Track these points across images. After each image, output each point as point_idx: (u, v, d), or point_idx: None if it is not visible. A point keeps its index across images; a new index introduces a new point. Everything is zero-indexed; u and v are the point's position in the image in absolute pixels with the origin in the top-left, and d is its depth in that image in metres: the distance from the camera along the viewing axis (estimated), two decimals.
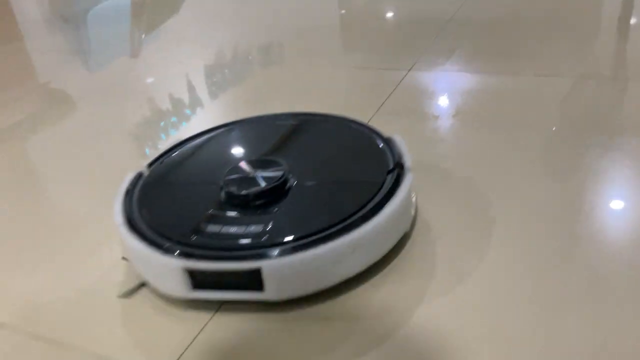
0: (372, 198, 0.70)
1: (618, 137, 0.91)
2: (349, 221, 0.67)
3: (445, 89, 1.15)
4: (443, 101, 1.11)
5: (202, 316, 0.68)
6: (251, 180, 0.74)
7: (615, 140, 0.90)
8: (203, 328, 0.66)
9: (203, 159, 0.85)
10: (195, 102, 1.23)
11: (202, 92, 1.28)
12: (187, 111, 1.19)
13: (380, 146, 0.81)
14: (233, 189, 0.73)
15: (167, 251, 0.66)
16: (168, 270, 0.66)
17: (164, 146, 0.90)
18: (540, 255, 0.70)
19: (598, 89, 1.06)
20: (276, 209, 0.71)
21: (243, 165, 0.77)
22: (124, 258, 0.76)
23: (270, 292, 0.65)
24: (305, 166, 0.78)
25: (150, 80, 1.38)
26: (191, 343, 0.64)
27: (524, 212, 0.77)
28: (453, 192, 0.83)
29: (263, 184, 0.73)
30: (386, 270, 0.70)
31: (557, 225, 0.74)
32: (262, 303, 0.67)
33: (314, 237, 0.65)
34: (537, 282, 0.66)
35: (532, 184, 0.83)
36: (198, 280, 0.66)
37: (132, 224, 0.72)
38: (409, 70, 1.24)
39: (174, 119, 1.16)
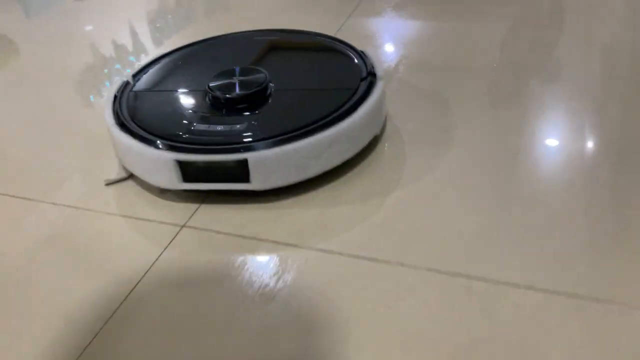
0: (347, 101, 0.77)
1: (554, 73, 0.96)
2: (326, 120, 0.74)
3: (390, 32, 1.17)
4: (389, 47, 1.12)
5: (190, 206, 0.74)
6: (234, 85, 0.79)
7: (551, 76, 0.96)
8: (192, 215, 0.72)
9: (185, 69, 0.90)
10: (139, 49, 1.22)
11: (146, 38, 1.26)
12: (131, 58, 1.18)
13: (354, 58, 0.87)
14: (218, 93, 0.78)
15: (160, 146, 0.72)
16: (161, 163, 0.72)
17: (144, 60, 0.93)
18: (486, 160, 0.78)
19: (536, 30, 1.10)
20: (258, 110, 0.77)
21: (226, 72, 0.82)
22: (107, 183, 0.80)
23: (255, 183, 0.72)
24: (285, 75, 0.83)
25: (93, 25, 1.35)
26: (181, 229, 0.71)
27: (477, 123, 0.85)
28: (419, 103, 0.91)
29: (246, 88, 0.78)
30: (361, 167, 0.78)
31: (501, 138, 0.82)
32: (246, 193, 0.73)
33: (295, 133, 0.72)
34: (484, 180, 0.74)
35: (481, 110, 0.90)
36: (188, 172, 0.72)
37: (123, 126, 0.77)
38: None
39: (117, 65, 1.15)
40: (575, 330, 0.54)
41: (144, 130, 0.76)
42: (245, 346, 0.56)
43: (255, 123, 0.75)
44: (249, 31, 0.99)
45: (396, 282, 0.61)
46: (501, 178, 0.74)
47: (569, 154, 0.77)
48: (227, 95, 0.78)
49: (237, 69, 0.83)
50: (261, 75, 0.80)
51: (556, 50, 1.00)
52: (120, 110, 0.80)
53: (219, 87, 0.79)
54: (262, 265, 0.65)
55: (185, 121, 0.77)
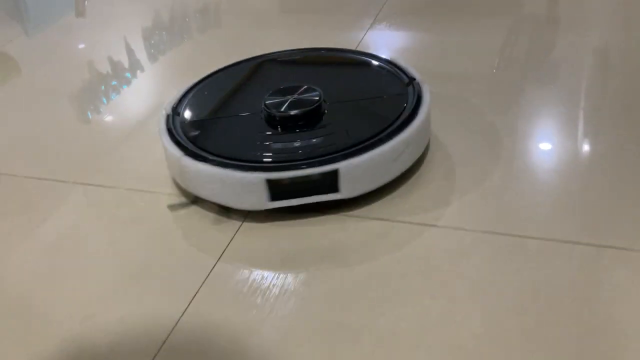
0: (406, 105, 0.81)
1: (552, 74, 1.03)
2: (395, 125, 0.77)
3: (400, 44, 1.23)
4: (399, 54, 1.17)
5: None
6: (292, 103, 0.81)
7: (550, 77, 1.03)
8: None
9: (223, 94, 0.90)
10: (135, 65, 1.23)
11: (141, 55, 1.28)
12: (127, 74, 1.19)
13: (387, 67, 0.91)
14: (278, 111, 0.80)
15: (248, 169, 0.72)
16: (250, 185, 0.72)
17: (176, 91, 0.92)
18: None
19: (534, 32, 1.18)
20: (325, 124, 0.79)
21: (277, 92, 0.83)
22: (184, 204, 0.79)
23: (345, 191, 0.74)
24: (332, 89, 0.85)
25: (90, 42, 1.37)
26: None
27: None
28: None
29: (305, 105, 0.80)
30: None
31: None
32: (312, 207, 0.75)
33: (373, 140, 0.75)
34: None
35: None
36: (275, 190, 0.73)
37: (196, 155, 0.76)
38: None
39: (114, 82, 1.17)
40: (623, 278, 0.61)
41: (220, 156, 0.75)
42: None
43: (328, 135, 0.77)
44: (268, 54, 1.01)
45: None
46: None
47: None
48: (292, 113, 0.79)
49: (287, 87, 0.84)
50: (315, 92, 0.82)
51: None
52: (181, 140, 0.79)
53: (281, 106, 0.80)
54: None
55: (258, 142, 0.77)
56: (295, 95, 0.82)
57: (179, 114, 0.85)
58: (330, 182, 0.73)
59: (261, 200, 0.74)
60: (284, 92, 0.83)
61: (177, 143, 0.79)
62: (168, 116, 0.85)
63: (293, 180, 0.72)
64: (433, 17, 1.28)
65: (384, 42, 1.22)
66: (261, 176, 0.72)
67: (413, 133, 0.76)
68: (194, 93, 0.91)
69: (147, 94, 1.16)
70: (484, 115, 0.93)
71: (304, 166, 0.72)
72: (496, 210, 0.74)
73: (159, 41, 1.34)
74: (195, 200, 0.80)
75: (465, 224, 0.72)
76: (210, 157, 0.75)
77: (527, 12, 1.26)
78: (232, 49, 1.27)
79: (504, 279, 0.64)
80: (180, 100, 0.89)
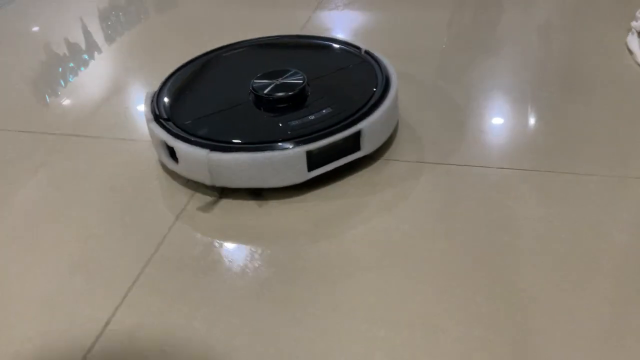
0: (376, 69, 0.92)
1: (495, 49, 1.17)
2: (382, 84, 0.88)
3: (351, 25, 1.32)
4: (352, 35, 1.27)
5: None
6: (282, 85, 0.87)
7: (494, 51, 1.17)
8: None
9: (206, 87, 0.93)
10: (92, 47, 1.23)
11: (98, 36, 1.28)
12: (85, 56, 1.19)
13: (338, 45, 1.01)
14: (281, 92, 0.86)
15: (290, 146, 0.77)
16: (293, 160, 0.77)
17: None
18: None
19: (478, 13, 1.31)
20: (321, 97, 0.87)
21: (265, 76, 0.89)
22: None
23: (365, 149, 0.83)
24: (308, 69, 0.91)
25: (45, 24, 1.36)
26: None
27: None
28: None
29: (293, 86, 0.87)
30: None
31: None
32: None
33: (371, 104, 0.85)
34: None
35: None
36: (312, 160, 0.79)
37: (220, 149, 0.78)
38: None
39: (71, 64, 1.17)
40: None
41: (247, 143, 0.79)
42: None
43: (334, 105, 0.85)
44: (238, 42, 1.04)
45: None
46: None
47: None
48: (290, 93, 0.86)
49: (271, 72, 0.90)
50: (297, 73, 0.89)
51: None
52: (196, 139, 0.80)
53: (280, 88, 0.87)
54: None
55: (272, 123, 0.83)
56: (284, 79, 0.88)
57: (169, 119, 0.85)
58: (353, 143, 0.82)
59: (302, 173, 0.79)
60: (271, 76, 0.89)
61: (194, 143, 0.80)
62: (160, 122, 0.84)
63: (327, 147, 0.79)
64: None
65: (331, 23, 1.30)
66: (302, 149, 0.77)
67: (396, 85, 0.88)
68: (175, 91, 0.92)
69: (105, 76, 1.16)
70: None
71: (335, 132, 0.79)
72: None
73: (116, 22, 1.34)
74: (222, 193, 0.82)
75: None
76: (238, 146, 0.78)
77: None
78: (189, 29, 1.29)
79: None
80: (166, 106, 0.88)
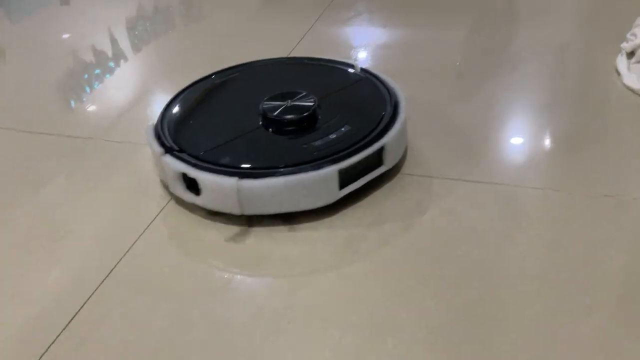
0: (378, 84, 0.93)
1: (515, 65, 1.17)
2: (390, 99, 0.89)
3: (352, 39, 1.32)
4: (352, 49, 1.27)
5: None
6: (293, 108, 0.86)
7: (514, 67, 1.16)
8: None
9: (214, 115, 0.90)
10: (119, 55, 1.27)
11: (125, 44, 1.32)
12: (111, 64, 1.23)
13: (332, 65, 1.01)
14: (294, 114, 0.85)
15: (323, 166, 0.76)
16: (325, 181, 0.76)
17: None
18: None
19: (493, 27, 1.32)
20: (336, 116, 0.86)
21: (274, 98, 0.88)
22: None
23: (387, 164, 0.83)
24: (312, 90, 0.90)
25: (74, 31, 1.41)
26: None
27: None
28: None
29: (309, 106, 0.86)
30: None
31: None
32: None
33: (387, 119, 0.85)
34: None
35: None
36: (343, 179, 0.78)
37: (249, 175, 0.76)
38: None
39: (97, 70, 1.21)
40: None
41: (273, 167, 0.77)
42: None
43: (349, 124, 0.84)
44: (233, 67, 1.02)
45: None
46: None
47: None
48: (305, 114, 0.85)
49: (281, 94, 0.89)
50: (307, 95, 0.88)
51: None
52: (221, 165, 0.78)
53: (290, 110, 0.86)
54: None
55: (293, 144, 0.82)
56: (294, 101, 0.87)
57: (182, 151, 0.82)
58: (377, 158, 0.82)
59: (334, 192, 0.78)
60: (279, 98, 0.88)
61: (219, 172, 0.77)
62: (175, 154, 0.81)
63: (355, 164, 0.79)
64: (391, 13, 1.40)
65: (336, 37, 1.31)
66: (334, 168, 0.76)
67: (404, 99, 0.89)
68: (180, 120, 0.89)
69: (130, 84, 1.19)
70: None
71: (362, 149, 0.79)
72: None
73: (143, 31, 1.37)
74: (250, 221, 0.79)
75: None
76: (267, 171, 0.76)
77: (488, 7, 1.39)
78: (214, 41, 1.32)
79: None
80: (175, 136, 0.85)
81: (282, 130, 0.85)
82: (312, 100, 0.87)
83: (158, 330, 0.66)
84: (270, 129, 0.85)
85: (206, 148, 0.82)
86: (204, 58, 1.26)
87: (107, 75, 1.20)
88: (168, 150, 0.82)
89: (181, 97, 0.94)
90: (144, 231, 0.79)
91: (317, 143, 0.81)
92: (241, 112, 0.89)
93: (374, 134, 0.82)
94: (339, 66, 1.00)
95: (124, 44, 1.34)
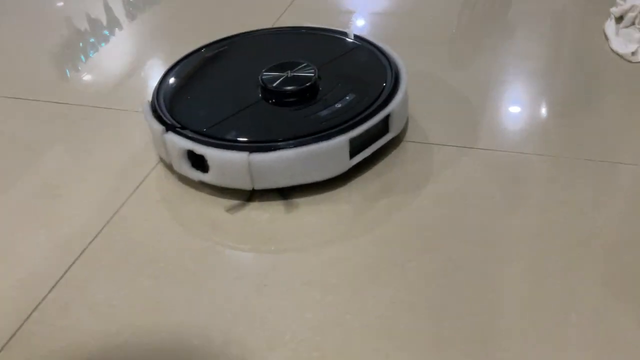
0: (375, 51, 0.92)
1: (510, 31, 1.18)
2: (390, 64, 0.88)
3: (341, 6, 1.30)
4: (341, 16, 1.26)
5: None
6: (294, 78, 0.85)
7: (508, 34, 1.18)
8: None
9: (213, 90, 0.88)
10: (113, 23, 1.25)
11: (120, 13, 1.30)
12: (105, 32, 1.22)
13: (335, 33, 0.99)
14: (295, 85, 0.84)
15: (333, 136, 0.75)
16: (336, 150, 0.75)
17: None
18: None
19: None
20: (338, 85, 0.85)
21: (274, 69, 0.86)
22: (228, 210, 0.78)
23: (393, 131, 0.83)
24: (309, 60, 0.89)
25: None
26: None
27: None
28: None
29: (309, 76, 0.85)
30: None
31: None
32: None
33: (390, 87, 0.84)
34: None
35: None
36: (353, 148, 0.78)
37: (260, 149, 0.75)
38: None
39: (92, 39, 1.21)
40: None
41: (285, 139, 0.76)
42: None
43: (353, 93, 0.83)
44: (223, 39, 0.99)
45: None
46: None
47: None
48: (308, 84, 0.83)
49: (281, 64, 0.87)
50: (308, 65, 0.86)
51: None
52: (226, 143, 0.76)
53: (290, 80, 0.84)
54: None
55: (297, 115, 0.81)
56: (294, 71, 0.85)
57: (185, 127, 0.80)
58: (383, 126, 0.82)
59: (345, 162, 0.77)
60: (279, 69, 0.86)
61: (229, 147, 0.75)
62: (177, 131, 0.79)
63: (364, 133, 0.78)
64: None
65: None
66: (345, 137, 0.76)
67: (404, 66, 0.89)
68: (177, 96, 0.86)
69: (126, 53, 1.18)
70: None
71: (369, 117, 0.78)
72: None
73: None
74: (252, 195, 0.78)
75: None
76: (277, 144, 0.75)
77: None
78: (210, 9, 1.29)
79: None
80: (175, 113, 0.83)
81: (285, 102, 0.83)
82: (312, 70, 0.85)
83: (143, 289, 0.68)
84: (272, 101, 0.83)
85: (210, 123, 0.79)
86: (199, 26, 1.25)
87: (102, 44, 1.20)
88: (170, 127, 0.79)
89: (175, 70, 0.91)
90: (129, 196, 0.80)
91: (324, 113, 0.80)
92: (239, 84, 0.87)
93: (379, 101, 0.81)
94: (333, 34, 0.98)
95: (119, 12, 1.32)
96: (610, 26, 1.09)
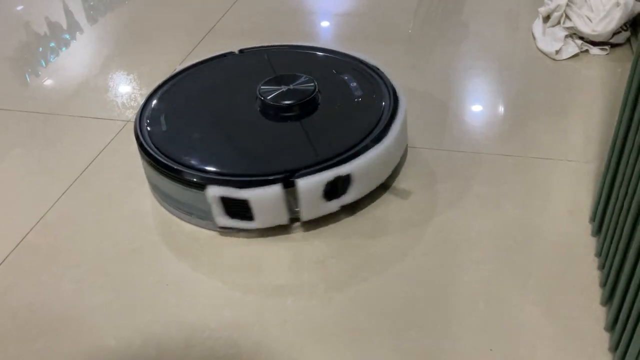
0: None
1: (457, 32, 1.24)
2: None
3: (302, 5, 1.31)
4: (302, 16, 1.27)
5: None
6: (291, 91, 0.86)
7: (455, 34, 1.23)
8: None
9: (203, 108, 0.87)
10: (74, 27, 1.23)
11: (80, 16, 1.28)
12: (66, 36, 1.20)
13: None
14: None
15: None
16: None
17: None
18: None
19: None
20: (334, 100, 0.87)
21: (270, 82, 0.86)
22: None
23: None
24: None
25: (26, 3, 1.35)
26: None
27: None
28: None
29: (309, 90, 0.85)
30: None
31: None
32: None
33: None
34: None
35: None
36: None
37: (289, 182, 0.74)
38: None
39: (52, 43, 1.19)
40: None
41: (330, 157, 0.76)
42: None
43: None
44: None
45: None
46: None
47: None
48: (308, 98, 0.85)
49: (279, 76, 0.88)
50: (306, 78, 0.87)
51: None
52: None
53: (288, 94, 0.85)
54: None
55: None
56: (292, 85, 0.86)
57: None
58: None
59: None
60: (277, 81, 0.87)
61: (285, 178, 0.74)
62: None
63: None
64: None
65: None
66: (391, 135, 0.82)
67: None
68: (189, 139, 0.83)
69: (87, 57, 1.17)
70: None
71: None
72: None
73: (98, 2, 1.32)
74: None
75: None
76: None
77: None
78: (172, 10, 1.31)
79: None
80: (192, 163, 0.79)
81: (281, 117, 0.83)
82: (311, 84, 0.86)
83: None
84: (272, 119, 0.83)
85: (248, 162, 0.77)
86: (158, 28, 1.25)
87: (63, 49, 1.17)
88: (211, 181, 0.75)
89: (162, 110, 0.87)
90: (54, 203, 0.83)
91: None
92: (239, 112, 0.85)
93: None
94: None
95: (79, 15, 1.28)
96: (537, 25, 1.14)
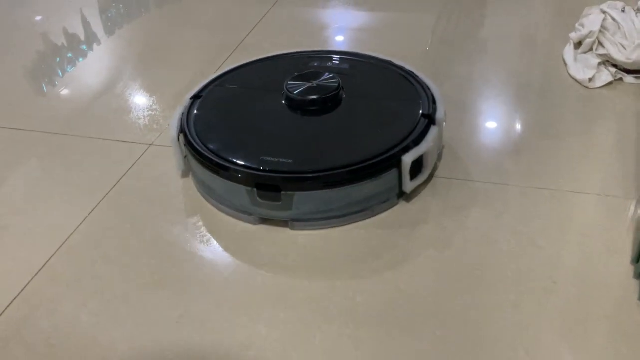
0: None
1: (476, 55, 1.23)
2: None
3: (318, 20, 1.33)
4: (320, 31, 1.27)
5: None
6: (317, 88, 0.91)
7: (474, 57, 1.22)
8: None
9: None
10: (92, 38, 1.27)
11: (98, 28, 1.31)
12: (83, 47, 1.23)
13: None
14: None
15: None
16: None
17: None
18: None
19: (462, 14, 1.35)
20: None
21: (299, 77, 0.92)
22: None
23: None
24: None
25: (45, 14, 1.39)
26: None
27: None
28: None
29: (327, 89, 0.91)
30: None
31: None
32: None
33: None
34: None
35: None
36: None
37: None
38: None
39: (69, 54, 1.21)
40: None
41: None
42: None
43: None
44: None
45: None
46: None
47: None
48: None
49: (305, 73, 0.93)
50: (333, 75, 0.92)
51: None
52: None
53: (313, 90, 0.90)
54: None
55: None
56: (318, 80, 0.92)
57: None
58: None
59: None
60: (305, 78, 0.92)
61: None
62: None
63: None
64: None
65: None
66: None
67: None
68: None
69: (104, 68, 1.19)
70: None
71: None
72: None
73: (116, 14, 1.35)
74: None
75: None
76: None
77: None
78: (189, 23, 1.32)
79: None
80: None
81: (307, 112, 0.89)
82: (335, 82, 0.91)
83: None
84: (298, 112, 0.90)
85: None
86: (178, 42, 1.26)
87: (80, 59, 1.19)
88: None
89: (208, 126, 0.90)
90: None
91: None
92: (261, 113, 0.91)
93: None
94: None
95: (97, 27, 1.31)
96: (569, 52, 1.11)
